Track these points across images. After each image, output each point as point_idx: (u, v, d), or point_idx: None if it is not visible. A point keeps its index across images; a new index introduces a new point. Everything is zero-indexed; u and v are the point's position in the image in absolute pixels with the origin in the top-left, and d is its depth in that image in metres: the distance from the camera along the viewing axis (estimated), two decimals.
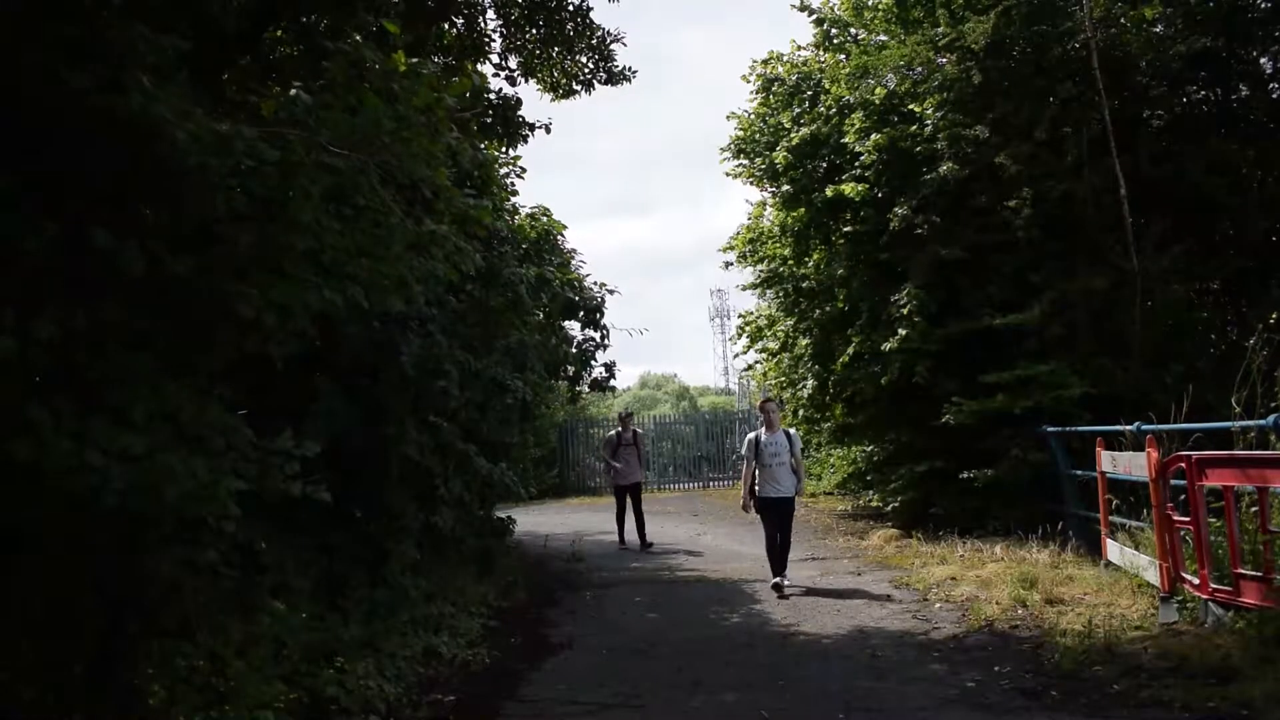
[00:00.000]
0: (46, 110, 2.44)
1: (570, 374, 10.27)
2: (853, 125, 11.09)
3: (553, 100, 8.64)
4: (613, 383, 11.58)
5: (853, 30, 12.57)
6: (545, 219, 9.22)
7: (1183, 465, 5.52)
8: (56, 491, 2.49)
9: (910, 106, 10.82)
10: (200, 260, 2.72)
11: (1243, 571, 4.97)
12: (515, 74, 8.47)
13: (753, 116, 13.13)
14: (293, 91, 2.74)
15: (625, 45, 8.77)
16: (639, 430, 12.54)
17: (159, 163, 2.40)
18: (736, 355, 18.07)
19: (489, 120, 7.95)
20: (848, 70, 11.50)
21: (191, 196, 2.58)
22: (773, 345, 14.09)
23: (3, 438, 2.37)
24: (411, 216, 3.06)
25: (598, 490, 22.73)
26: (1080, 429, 8.55)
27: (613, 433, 12.26)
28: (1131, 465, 6.53)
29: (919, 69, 11.03)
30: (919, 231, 10.39)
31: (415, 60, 3.09)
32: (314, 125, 2.75)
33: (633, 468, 11.72)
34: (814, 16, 12.66)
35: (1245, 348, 6.71)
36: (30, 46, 2.39)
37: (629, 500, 11.64)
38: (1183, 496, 5.63)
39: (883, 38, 12.04)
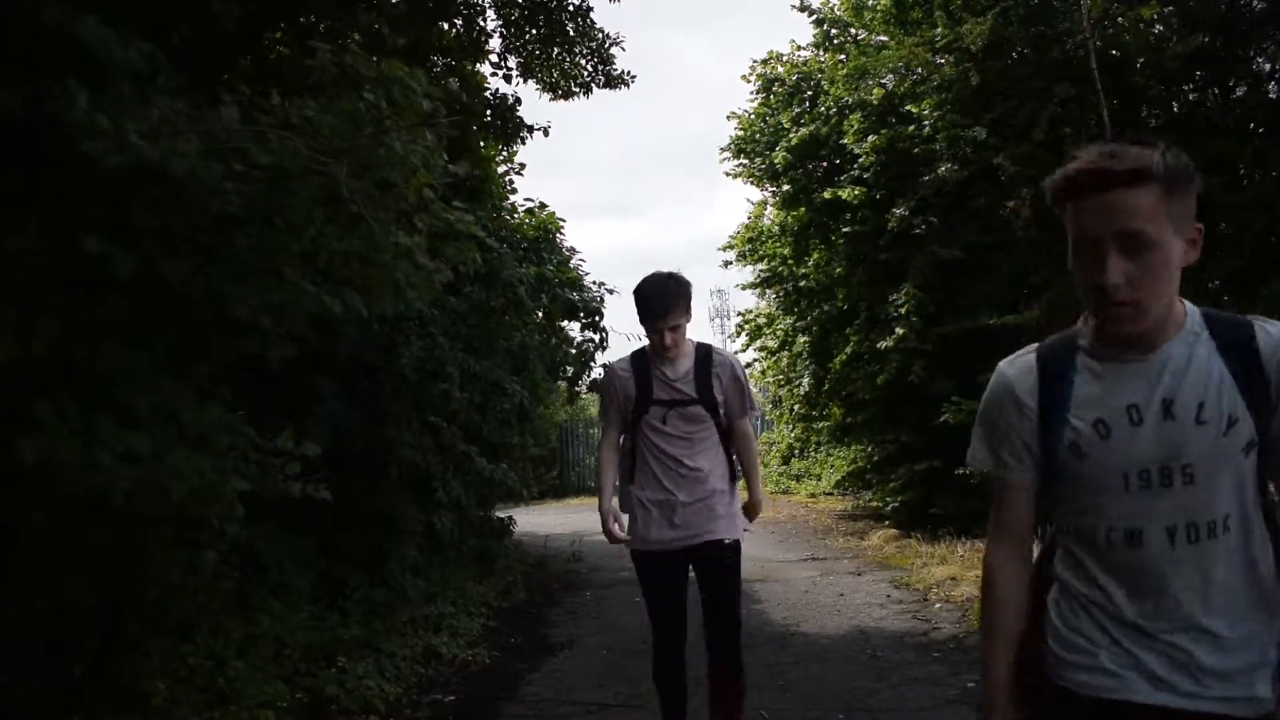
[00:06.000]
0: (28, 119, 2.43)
1: (569, 375, 10.25)
2: (851, 126, 11.10)
3: (551, 100, 8.65)
4: None
5: (853, 30, 12.58)
6: (543, 214, 9.21)
7: None
8: (62, 492, 2.48)
9: (908, 107, 10.83)
10: (195, 263, 2.73)
11: None
12: (514, 74, 8.48)
13: (753, 116, 13.15)
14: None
15: (624, 50, 8.76)
16: (725, 358, 3.57)
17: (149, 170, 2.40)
18: (736, 353, 18.06)
19: (488, 119, 7.95)
20: (845, 71, 11.52)
21: (185, 201, 2.58)
22: (772, 343, 14.12)
23: (9, 437, 2.37)
24: (400, 225, 3.06)
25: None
26: None
27: (619, 361, 3.63)
28: None
29: (917, 70, 11.04)
30: (917, 232, 10.41)
31: (413, 70, 3.08)
32: (302, 128, 2.75)
33: (689, 482, 3.43)
34: (814, 17, 12.67)
35: None
36: None
37: (695, 599, 3.57)
38: None
39: (882, 38, 12.05)
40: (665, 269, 3.53)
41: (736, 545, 3.55)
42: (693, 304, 3.46)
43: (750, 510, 3.73)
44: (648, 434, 3.50)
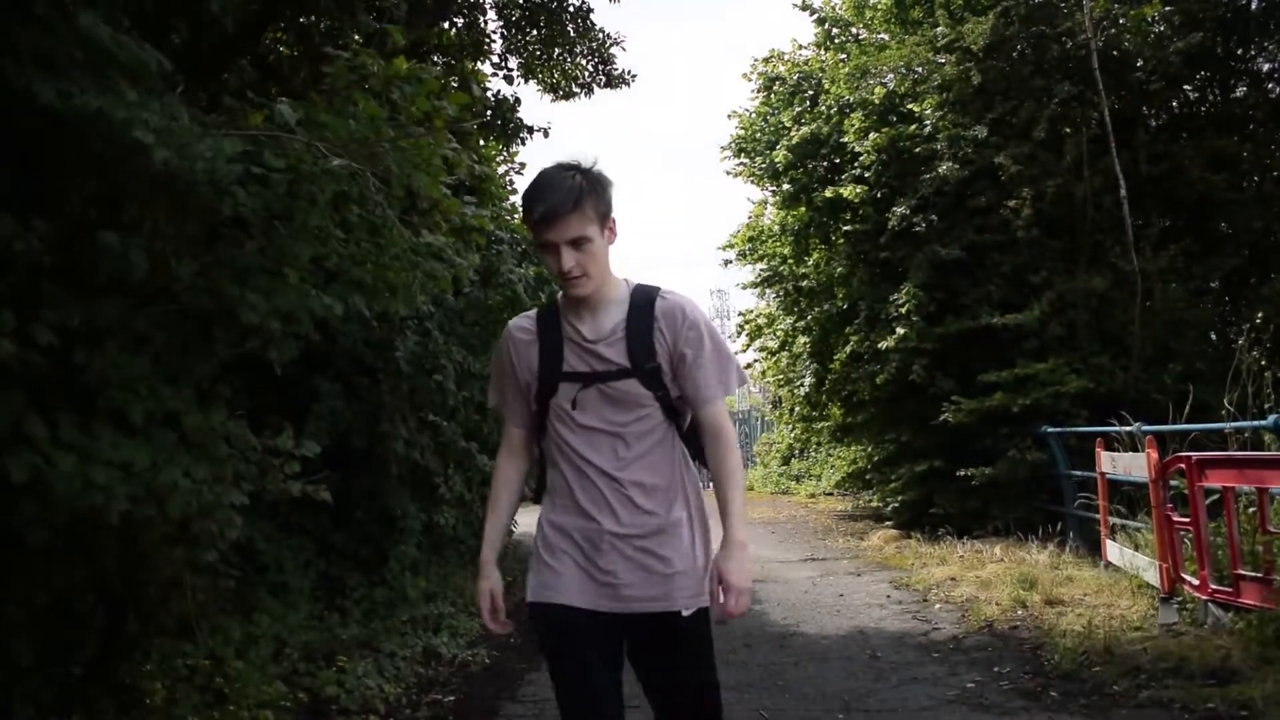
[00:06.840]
0: (32, 119, 2.42)
1: None
2: (852, 125, 11.10)
3: (553, 101, 8.67)
4: None
5: (854, 29, 12.59)
6: None
7: (1182, 466, 5.52)
8: (59, 504, 2.47)
9: (909, 106, 10.84)
10: (204, 264, 2.72)
11: (1242, 572, 4.97)
12: (515, 74, 8.49)
13: (754, 115, 13.17)
14: (281, 104, 2.73)
15: (625, 50, 8.80)
16: (675, 302, 2.07)
17: (163, 171, 2.39)
18: (736, 354, 18.08)
19: (489, 117, 7.96)
20: (846, 70, 11.53)
21: (195, 202, 2.58)
22: (772, 344, 14.13)
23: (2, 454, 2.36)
24: (409, 226, 3.06)
25: None
26: (1080, 429, 8.55)
27: (520, 318, 2.20)
28: (1131, 466, 6.54)
29: (918, 69, 11.05)
30: (918, 231, 10.42)
31: (419, 64, 3.09)
32: (313, 131, 2.75)
33: (623, 502, 2.10)
34: (815, 16, 12.68)
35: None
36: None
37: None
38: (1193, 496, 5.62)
39: (884, 37, 12.07)
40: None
41: (705, 612, 2.16)
42: (613, 214, 2.07)
43: (724, 574, 2.02)
44: (557, 427, 2.14)
